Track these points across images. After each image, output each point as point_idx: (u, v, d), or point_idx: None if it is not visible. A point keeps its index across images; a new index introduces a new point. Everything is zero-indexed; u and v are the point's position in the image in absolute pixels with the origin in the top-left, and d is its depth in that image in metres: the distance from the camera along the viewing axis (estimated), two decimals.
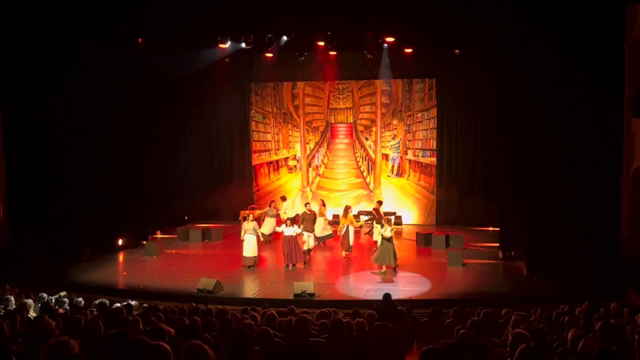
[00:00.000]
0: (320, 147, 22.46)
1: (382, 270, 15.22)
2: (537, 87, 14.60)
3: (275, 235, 18.20)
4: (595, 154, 13.90)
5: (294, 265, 15.72)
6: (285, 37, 17.89)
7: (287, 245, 15.66)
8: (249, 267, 15.83)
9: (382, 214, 17.88)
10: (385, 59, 19.97)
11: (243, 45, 17.89)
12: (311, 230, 16.65)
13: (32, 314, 9.43)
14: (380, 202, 18.82)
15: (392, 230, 15.43)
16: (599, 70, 13.56)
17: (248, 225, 16.01)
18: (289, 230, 15.67)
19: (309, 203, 17.54)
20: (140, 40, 17.51)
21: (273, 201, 19.11)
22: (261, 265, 16.21)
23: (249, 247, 15.89)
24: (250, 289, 14.45)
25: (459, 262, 15.78)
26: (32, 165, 16.48)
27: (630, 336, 6.46)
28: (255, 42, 17.65)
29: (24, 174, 16.53)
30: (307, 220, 16.68)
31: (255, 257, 15.98)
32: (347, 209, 17.10)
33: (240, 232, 17.00)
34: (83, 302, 11.55)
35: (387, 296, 11.07)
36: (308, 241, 16.54)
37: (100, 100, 16.99)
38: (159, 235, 20.01)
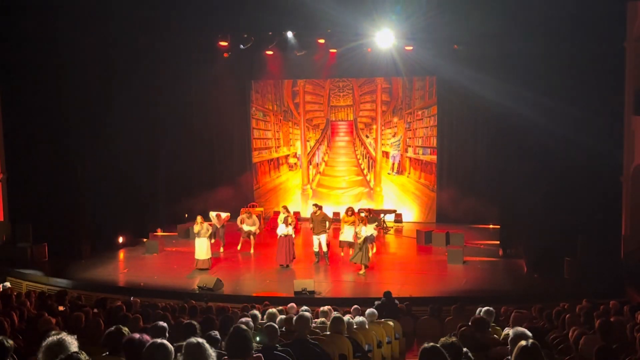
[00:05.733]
0: (320, 144, 22.45)
1: (361, 272, 14.87)
2: (537, 85, 14.58)
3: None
4: (595, 152, 13.89)
5: (287, 265, 15.47)
6: (290, 34, 17.83)
7: (281, 244, 15.48)
8: (203, 269, 15.15)
9: (362, 216, 16.60)
10: (386, 57, 19.93)
11: (242, 46, 17.83)
12: (321, 232, 15.54)
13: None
14: (351, 209, 17.26)
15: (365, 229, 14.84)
16: (599, 68, 13.56)
17: (198, 228, 15.30)
18: (284, 230, 15.50)
19: (316, 204, 16.21)
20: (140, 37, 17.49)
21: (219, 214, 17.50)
22: (261, 264, 16.19)
23: (202, 250, 15.24)
24: (251, 286, 14.45)
25: (459, 260, 15.77)
26: (33, 160, 16.47)
27: (630, 334, 6.46)
28: (256, 39, 17.61)
29: (25, 169, 16.52)
30: (315, 222, 15.67)
31: (207, 259, 15.34)
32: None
33: (239, 229, 17.04)
34: (83, 300, 11.56)
35: (387, 294, 11.09)
36: (321, 244, 15.63)
37: (100, 97, 17.00)
38: (159, 233, 19.99)
